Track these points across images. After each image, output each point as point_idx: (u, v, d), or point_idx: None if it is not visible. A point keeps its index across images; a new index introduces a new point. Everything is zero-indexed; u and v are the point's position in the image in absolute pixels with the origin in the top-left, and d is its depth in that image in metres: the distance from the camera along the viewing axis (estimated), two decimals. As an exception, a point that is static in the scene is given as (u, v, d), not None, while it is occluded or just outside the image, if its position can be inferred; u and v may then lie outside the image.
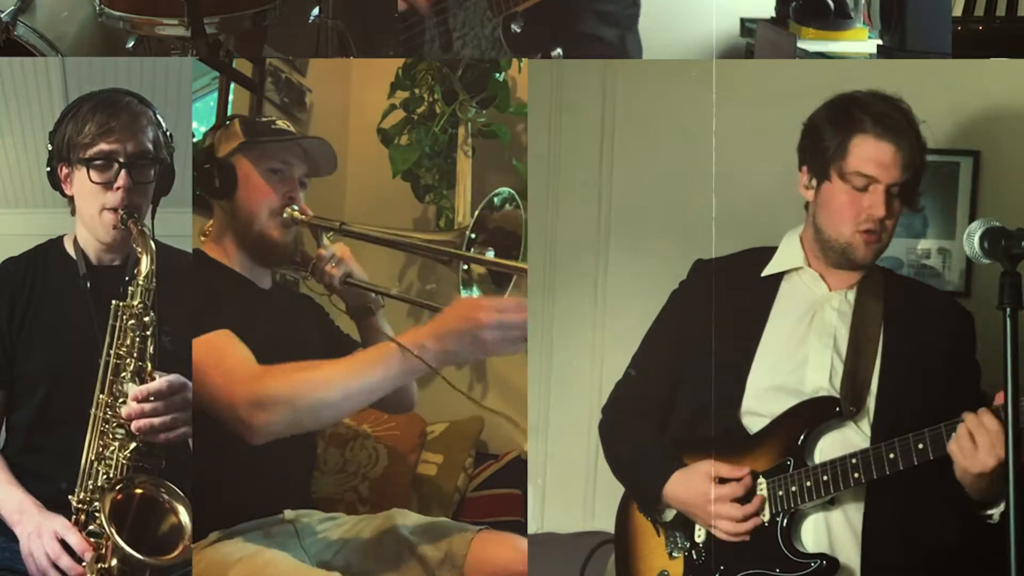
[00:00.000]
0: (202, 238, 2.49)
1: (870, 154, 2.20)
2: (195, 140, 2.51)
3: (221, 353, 2.13)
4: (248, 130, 2.44)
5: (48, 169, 2.28)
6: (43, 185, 2.30)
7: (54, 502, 2.17)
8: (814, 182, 2.26)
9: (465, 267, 2.23)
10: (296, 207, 2.40)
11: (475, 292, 2.23)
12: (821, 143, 2.24)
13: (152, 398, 2.10)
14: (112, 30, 3.20)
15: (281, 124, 2.50)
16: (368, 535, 2.33)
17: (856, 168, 2.20)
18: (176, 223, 2.37)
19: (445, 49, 3.12)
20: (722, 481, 2.18)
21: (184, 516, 2.12)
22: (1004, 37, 3.49)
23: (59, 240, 2.35)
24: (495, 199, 2.27)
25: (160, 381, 2.12)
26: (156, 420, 2.10)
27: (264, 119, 2.58)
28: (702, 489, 2.18)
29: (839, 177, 2.21)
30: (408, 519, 2.36)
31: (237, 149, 2.40)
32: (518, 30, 2.62)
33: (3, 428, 2.32)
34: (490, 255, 2.25)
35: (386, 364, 2.07)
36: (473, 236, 2.23)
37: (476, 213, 2.25)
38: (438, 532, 2.32)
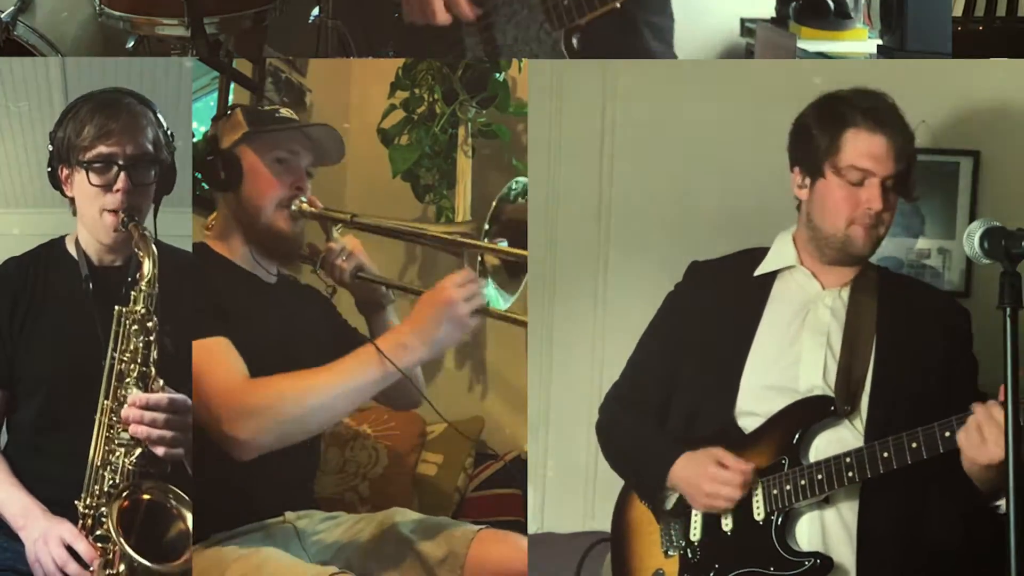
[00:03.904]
0: (205, 232, 2.43)
1: (863, 148, 2.20)
2: (195, 140, 2.49)
3: (211, 364, 2.09)
4: (252, 119, 2.37)
5: (49, 169, 2.27)
6: (44, 185, 2.28)
7: (58, 504, 2.16)
8: (807, 181, 2.27)
9: (480, 259, 2.20)
10: (304, 198, 2.33)
11: (490, 284, 2.19)
12: (812, 142, 2.24)
13: (152, 409, 2.08)
14: (112, 30, 3.20)
15: (285, 112, 2.43)
16: (368, 534, 2.31)
17: (851, 162, 2.20)
18: (176, 223, 2.36)
19: None
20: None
21: (191, 523, 2.11)
22: (1004, 37, 3.49)
23: (60, 240, 2.33)
24: (511, 191, 2.23)
25: (162, 395, 2.09)
26: (154, 432, 2.07)
27: (267, 108, 2.52)
28: (705, 469, 2.18)
29: (834, 173, 2.22)
30: (408, 518, 2.34)
31: (241, 139, 2.34)
32: (577, 46, 2.56)
33: (4, 429, 2.31)
34: (503, 246, 2.21)
35: (368, 366, 2.06)
36: (488, 227, 2.18)
37: (494, 204, 2.20)
38: (438, 531, 2.30)
